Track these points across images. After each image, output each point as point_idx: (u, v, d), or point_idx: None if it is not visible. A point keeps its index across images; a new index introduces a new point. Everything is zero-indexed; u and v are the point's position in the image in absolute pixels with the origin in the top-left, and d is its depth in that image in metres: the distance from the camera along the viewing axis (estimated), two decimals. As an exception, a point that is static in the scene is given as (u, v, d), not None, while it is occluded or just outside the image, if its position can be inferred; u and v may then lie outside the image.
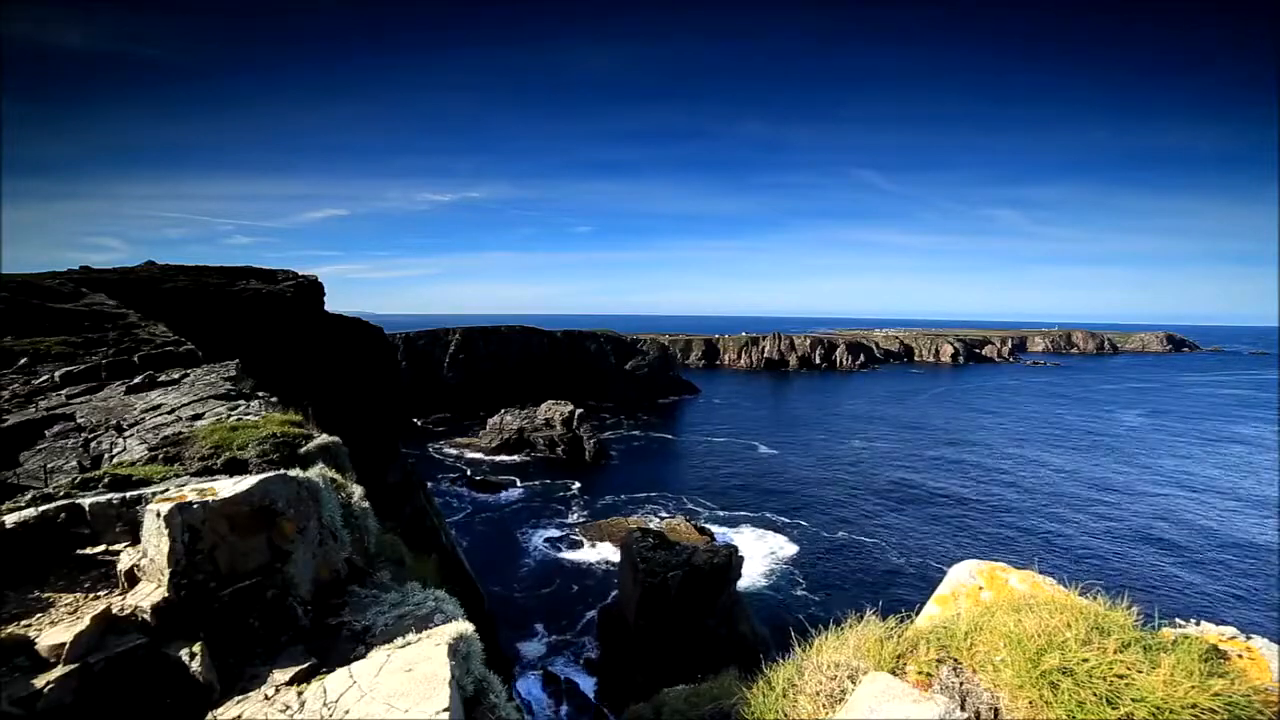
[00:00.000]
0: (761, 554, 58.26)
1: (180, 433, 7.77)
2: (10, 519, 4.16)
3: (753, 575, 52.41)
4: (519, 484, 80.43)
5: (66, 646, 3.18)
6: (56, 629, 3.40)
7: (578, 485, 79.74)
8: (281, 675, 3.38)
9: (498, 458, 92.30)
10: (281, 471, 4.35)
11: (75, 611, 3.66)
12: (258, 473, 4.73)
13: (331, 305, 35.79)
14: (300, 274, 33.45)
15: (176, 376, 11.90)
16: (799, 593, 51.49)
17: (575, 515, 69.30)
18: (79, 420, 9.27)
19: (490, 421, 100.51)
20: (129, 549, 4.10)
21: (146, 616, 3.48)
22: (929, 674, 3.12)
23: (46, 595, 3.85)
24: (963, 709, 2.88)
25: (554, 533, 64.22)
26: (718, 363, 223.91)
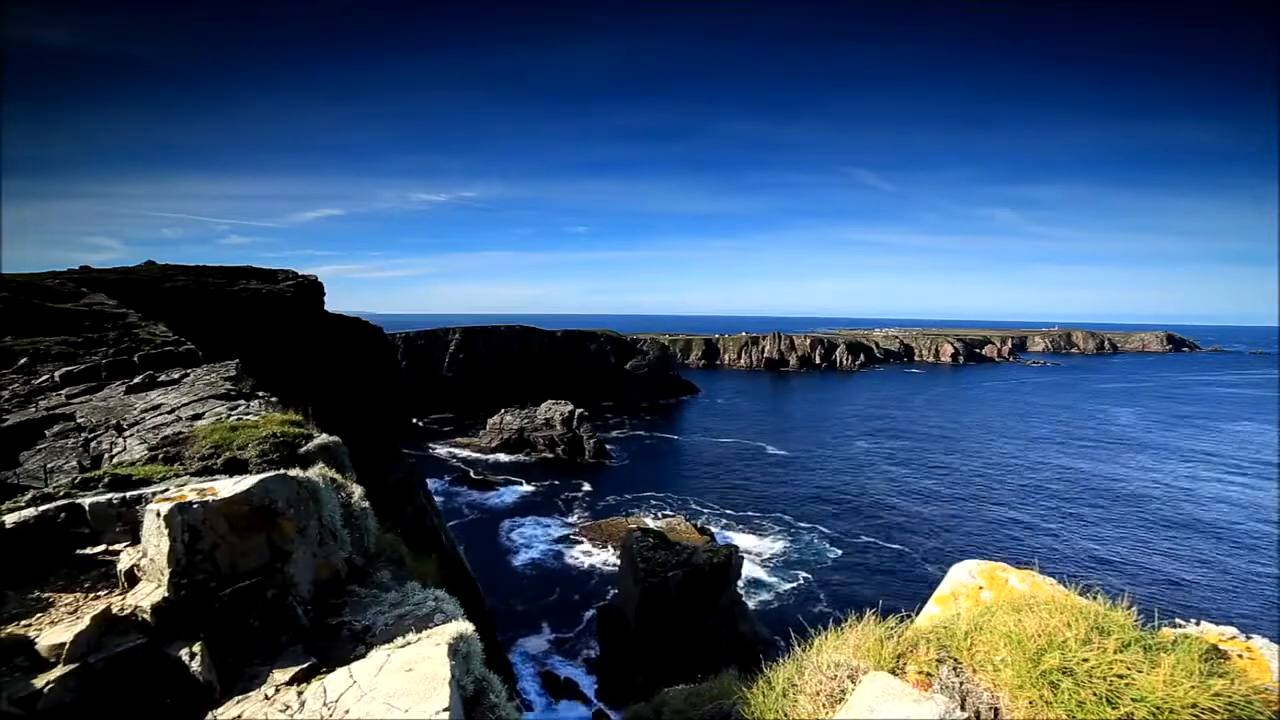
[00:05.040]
0: (762, 553, 58.29)
1: (180, 432, 7.77)
2: (10, 519, 4.17)
3: (753, 575, 52.45)
4: (519, 484, 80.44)
5: (66, 646, 3.18)
6: (56, 629, 3.40)
7: (578, 485, 79.76)
8: (281, 675, 3.38)
9: (498, 457, 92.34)
10: (281, 471, 4.35)
11: (75, 611, 3.66)
12: (258, 472, 4.72)
13: (330, 305, 35.80)
14: (300, 274, 33.46)
15: (176, 376, 11.90)
16: (799, 592, 51.50)
17: (575, 515, 69.31)
18: (79, 420, 9.27)
19: (490, 421, 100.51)
20: (129, 549, 4.10)
21: (146, 616, 3.48)
22: (929, 674, 3.12)
23: (46, 595, 3.85)
24: (963, 709, 2.88)
25: (554, 532, 64.24)
26: (718, 362, 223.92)
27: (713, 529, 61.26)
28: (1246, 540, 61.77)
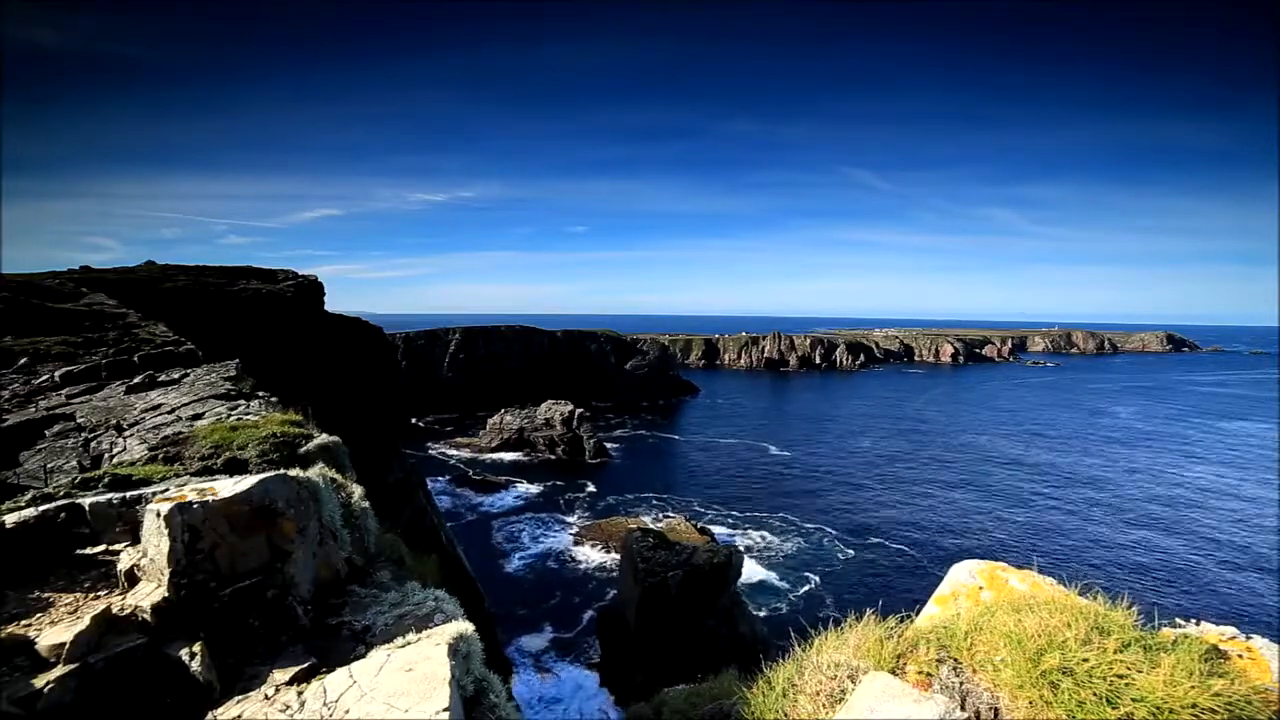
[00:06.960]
0: (761, 554, 58.29)
1: (180, 432, 7.77)
2: (10, 519, 4.17)
3: (753, 575, 52.44)
4: (519, 484, 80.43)
5: (66, 646, 3.18)
6: (56, 629, 3.40)
7: (578, 485, 79.76)
8: (281, 675, 3.38)
9: (498, 457, 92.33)
10: (281, 471, 4.35)
11: (75, 611, 3.66)
12: (258, 472, 4.72)
13: (330, 305, 35.79)
14: (300, 274, 33.46)
15: (176, 376, 11.90)
16: (799, 593, 51.50)
17: (575, 515, 69.30)
18: (79, 420, 9.27)
19: (490, 421, 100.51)
20: (129, 549, 4.10)
21: (146, 616, 3.47)
22: (929, 674, 3.12)
23: (46, 595, 3.85)
24: (963, 709, 2.88)
25: (554, 532, 64.23)
26: (718, 362, 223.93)
27: (714, 529, 61.25)
28: (1247, 540, 61.75)
